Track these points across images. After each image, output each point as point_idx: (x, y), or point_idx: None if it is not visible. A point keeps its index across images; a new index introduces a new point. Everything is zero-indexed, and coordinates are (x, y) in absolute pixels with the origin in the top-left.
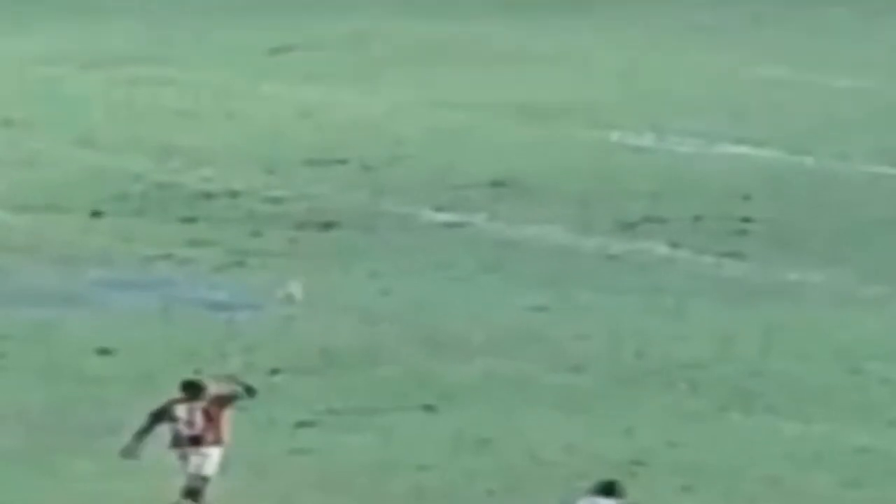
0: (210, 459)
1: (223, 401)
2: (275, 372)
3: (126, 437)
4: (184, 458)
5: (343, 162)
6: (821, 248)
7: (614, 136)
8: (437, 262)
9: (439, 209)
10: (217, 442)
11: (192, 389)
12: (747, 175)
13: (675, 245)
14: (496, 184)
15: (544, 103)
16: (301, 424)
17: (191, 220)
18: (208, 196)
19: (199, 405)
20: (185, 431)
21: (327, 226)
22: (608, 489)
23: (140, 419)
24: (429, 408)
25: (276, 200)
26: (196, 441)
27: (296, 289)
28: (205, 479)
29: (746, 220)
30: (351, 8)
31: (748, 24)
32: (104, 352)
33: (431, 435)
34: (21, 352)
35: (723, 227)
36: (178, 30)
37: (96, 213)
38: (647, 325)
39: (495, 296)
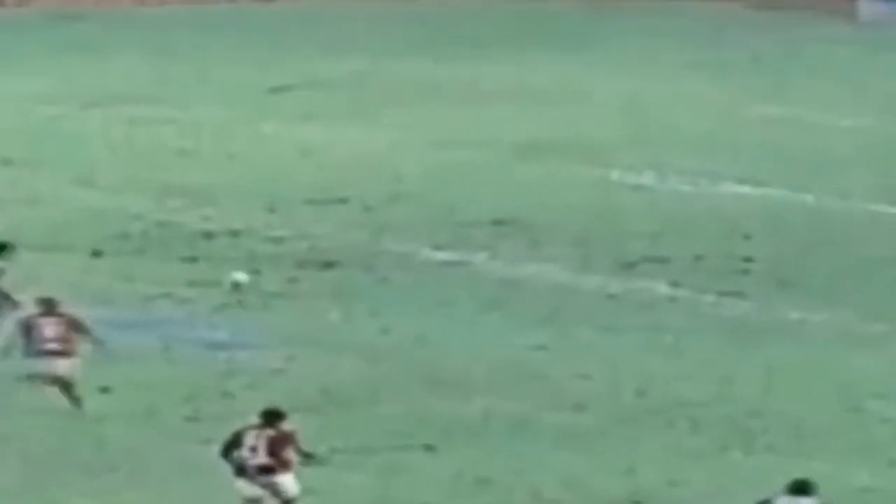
0: (287, 483)
1: (290, 439)
2: None
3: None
4: (265, 486)
5: (343, 201)
6: (821, 287)
7: (614, 174)
8: (437, 300)
9: (439, 248)
10: (285, 467)
11: (269, 417)
12: (748, 214)
13: (675, 284)
14: (497, 222)
15: (544, 141)
16: (302, 463)
17: (191, 259)
18: (209, 235)
19: (267, 433)
20: (250, 460)
21: (328, 265)
22: (803, 488)
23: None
24: (429, 447)
25: (276, 240)
26: (267, 470)
27: (241, 276)
28: (291, 501)
29: (747, 259)
30: (350, 47)
31: (748, 63)
32: (104, 390)
33: (432, 474)
34: (22, 391)
35: (723, 266)
36: (178, 69)
37: (96, 253)
38: (647, 364)
39: (495, 334)
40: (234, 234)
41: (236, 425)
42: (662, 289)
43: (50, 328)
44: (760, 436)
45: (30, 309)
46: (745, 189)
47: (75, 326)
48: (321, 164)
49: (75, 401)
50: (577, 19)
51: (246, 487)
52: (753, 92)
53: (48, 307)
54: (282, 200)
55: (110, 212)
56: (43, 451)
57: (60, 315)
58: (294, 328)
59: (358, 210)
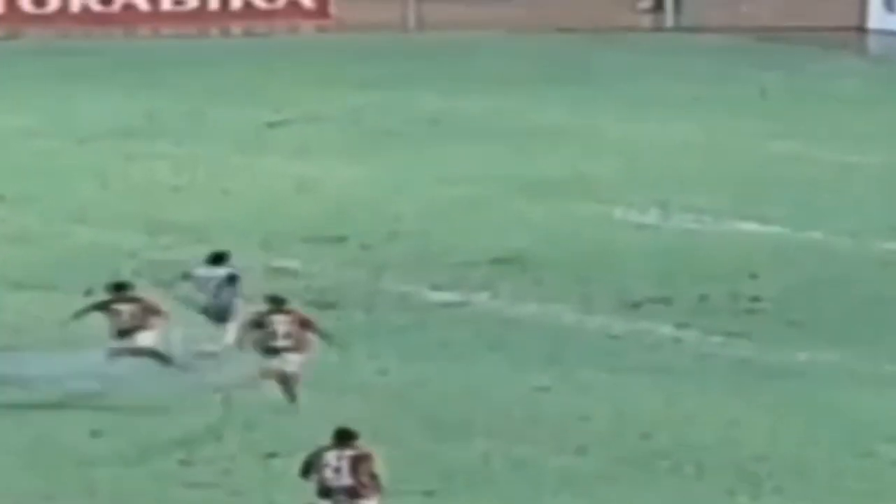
0: None
1: (369, 459)
2: (272, 455)
3: None
4: None
5: (341, 239)
6: (831, 327)
7: (618, 212)
8: (436, 341)
9: (439, 288)
10: (370, 490)
11: (343, 437)
12: (754, 252)
13: (680, 325)
14: (497, 261)
15: (546, 179)
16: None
17: (186, 298)
18: None
19: (348, 453)
20: (335, 481)
21: (324, 305)
22: None
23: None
24: (428, 492)
25: (273, 278)
26: (352, 493)
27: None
28: None
29: (754, 298)
30: (349, 80)
31: (755, 97)
32: (95, 433)
33: None
34: (11, 434)
35: (730, 306)
36: (172, 103)
37: (88, 292)
38: (652, 407)
39: (496, 376)
40: None
41: (231, 469)
42: (667, 329)
43: (281, 325)
44: (768, 480)
45: (259, 306)
46: (752, 227)
47: (305, 324)
48: (318, 201)
49: (293, 397)
50: (581, 55)
51: None
52: (761, 127)
53: (277, 304)
54: (277, 238)
55: (102, 249)
56: (31, 497)
57: (290, 312)
58: None
59: (355, 249)
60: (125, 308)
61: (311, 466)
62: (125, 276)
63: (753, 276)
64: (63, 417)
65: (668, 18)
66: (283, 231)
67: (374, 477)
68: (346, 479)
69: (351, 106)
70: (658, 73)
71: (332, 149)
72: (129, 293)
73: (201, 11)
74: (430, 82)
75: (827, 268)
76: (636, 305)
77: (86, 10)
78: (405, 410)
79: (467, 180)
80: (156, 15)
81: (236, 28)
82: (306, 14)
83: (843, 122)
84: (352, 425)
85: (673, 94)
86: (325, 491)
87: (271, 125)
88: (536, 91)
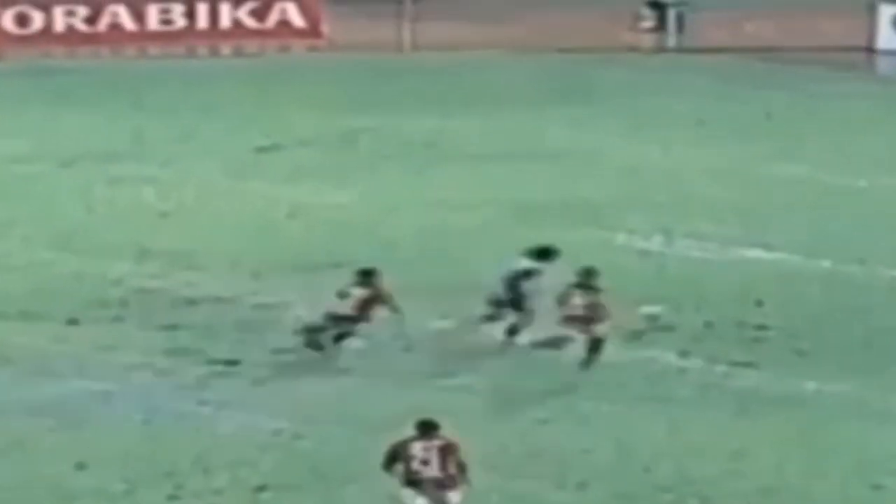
0: (454, 501)
1: (455, 450)
2: (261, 489)
3: None
4: (436, 501)
5: (335, 266)
6: (838, 357)
7: (620, 238)
8: (433, 371)
9: (435, 315)
10: (455, 483)
11: (426, 428)
12: (760, 280)
13: (684, 354)
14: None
15: (546, 203)
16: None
17: (173, 327)
18: (191, 302)
19: (436, 444)
20: (424, 473)
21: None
22: None
23: None
24: None
25: (263, 307)
26: (441, 485)
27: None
28: None
29: (760, 327)
30: (340, 103)
31: (761, 120)
32: (81, 466)
33: None
34: None
35: (735, 335)
36: (159, 126)
37: (72, 321)
38: (655, 438)
39: (496, 407)
40: (219, 300)
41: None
42: (671, 358)
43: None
44: None
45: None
46: (758, 253)
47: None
48: (310, 227)
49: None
50: (582, 75)
51: (415, 497)
52: (766, 150)
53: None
54: (268, 266)
55: (87, 277)
56: None
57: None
58: (282, 401)
59: (349, 276)
60: (360, 293)
61: (396, 457)
62: (111, 304)
63: (759, 304)
64: (48, 450)
65: (671, 38)
66: (275, 258)
67: (462, 468)
68: (435, 471)
69: (343, 128)
70: (660, 94)
71: (324, 173)
72: (373, 279)
73: (189, 30)
74: (425, 104)
75: (834, 296)
76: (639, 334)
77: (70, 29)
78: None
79: (464, 205)
80: (142, 34)
81: (226, 47)
82: (298, 33)
83: (852, 145)
84: (344, 458)
85: (675, 115)
86: (412, 482)
87: (261, 150)
88: (536, 112)
